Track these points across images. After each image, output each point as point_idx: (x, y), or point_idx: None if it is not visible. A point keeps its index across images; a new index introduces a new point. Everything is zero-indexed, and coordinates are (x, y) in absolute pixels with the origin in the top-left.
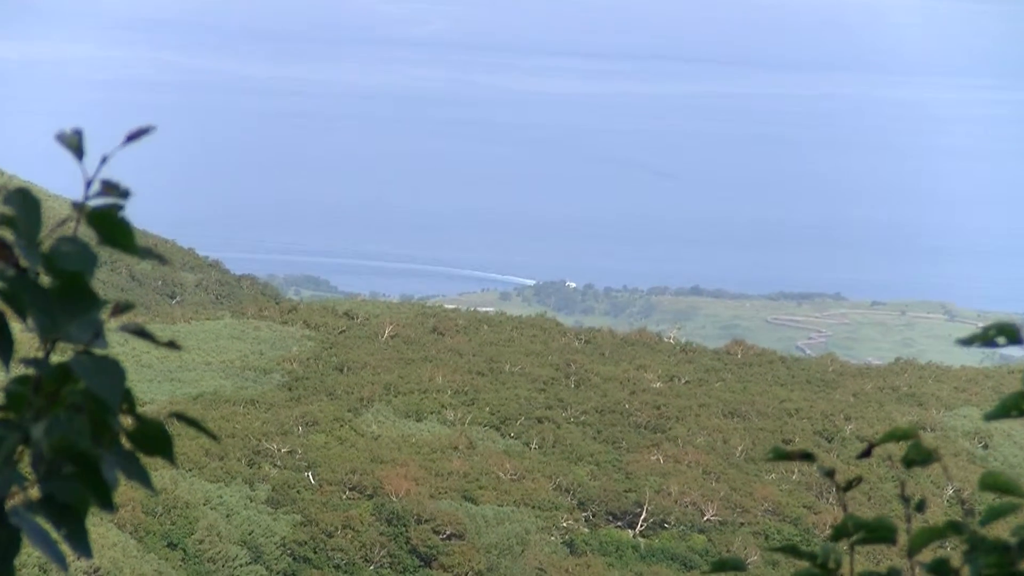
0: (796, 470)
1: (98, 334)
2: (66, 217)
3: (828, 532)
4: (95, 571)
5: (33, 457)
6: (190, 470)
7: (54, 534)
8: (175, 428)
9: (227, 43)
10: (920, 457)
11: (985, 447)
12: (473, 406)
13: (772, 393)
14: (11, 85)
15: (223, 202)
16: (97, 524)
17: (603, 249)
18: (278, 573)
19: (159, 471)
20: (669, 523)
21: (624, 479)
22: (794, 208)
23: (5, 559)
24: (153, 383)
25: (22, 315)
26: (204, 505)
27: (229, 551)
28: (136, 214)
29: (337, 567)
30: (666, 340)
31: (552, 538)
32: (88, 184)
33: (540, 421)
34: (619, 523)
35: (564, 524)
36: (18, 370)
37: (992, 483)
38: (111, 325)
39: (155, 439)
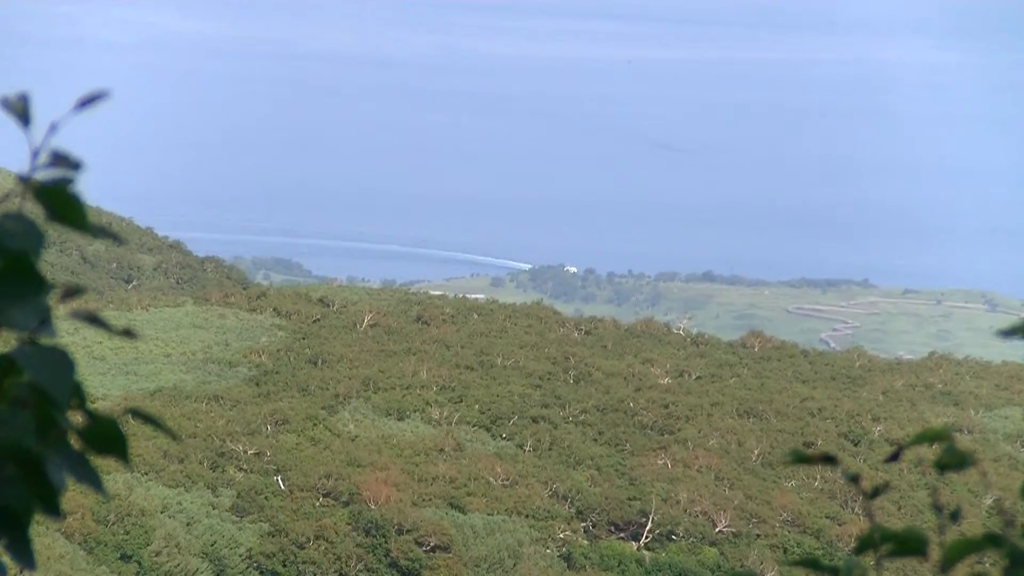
0: (818, 476)
1: (45, 321)
2: (10, 191)
3: (853, 545)
4: None
5: None
6: (146, 473)
7: None
8: (130, 427)
9: (190, 1)
10: (955, 462)
11: None
12: (461, 404)
13: (792, 391)
14: None
15: (186, 177)
16: (42, 533)
17: (606, 230)
18: None
19: (112, 474)
20: (677, 535)
21: (628, 485)
22: (819, 186)
23: None
24: (106, 376)
25: None
26: (162, 513)
27: (189, 564)
28: (89, 189)
29: None
30: (675, 331)
31: (548, 551)
32: (35, 155)
33: (535, 421)
34: (622, 534)
35: (561, 535)
36: None
37: None
38: (60, 312)
39: (108, 438)
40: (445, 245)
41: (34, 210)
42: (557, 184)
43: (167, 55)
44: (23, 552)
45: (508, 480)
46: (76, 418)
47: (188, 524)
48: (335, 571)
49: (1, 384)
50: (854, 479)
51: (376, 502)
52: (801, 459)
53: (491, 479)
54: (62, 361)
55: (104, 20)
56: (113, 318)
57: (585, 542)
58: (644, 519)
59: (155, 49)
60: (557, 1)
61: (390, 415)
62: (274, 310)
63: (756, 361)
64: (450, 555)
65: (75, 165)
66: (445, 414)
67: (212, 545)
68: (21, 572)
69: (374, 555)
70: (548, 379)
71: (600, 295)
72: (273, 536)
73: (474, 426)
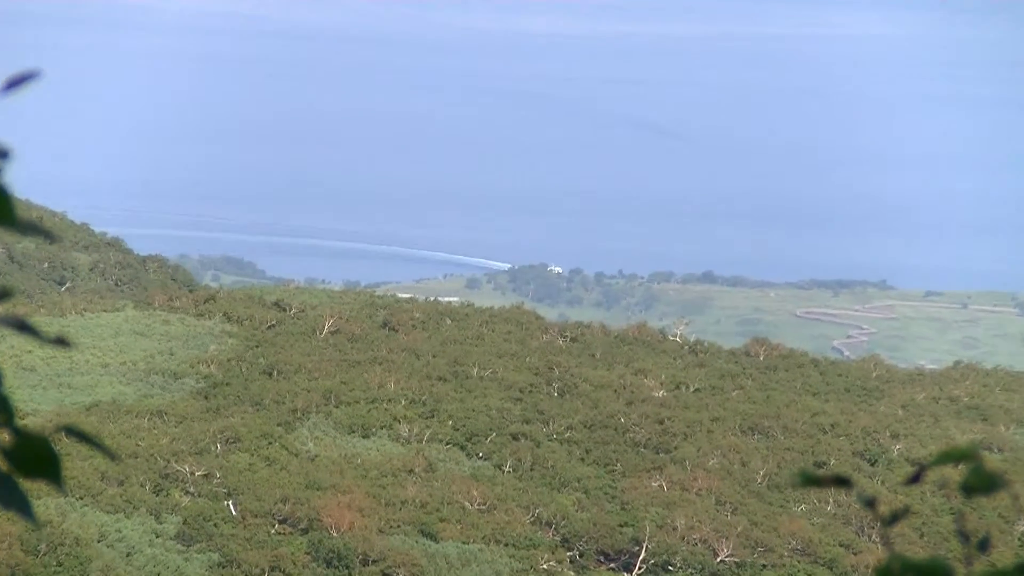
0: (831, 500)
1: None
2: None
3: None
4: None
5: None
6: (82, 498)
7: None
8: (63, 445)
9: None
10: (983, 484)
11: None
12: (433, 419)
13: (802, 404)
14: None
15: (126, 168)
16: None
17: (594, 227)
18: None
19: (43, 499)
20: (674, 565)
21: (619, 510)
22: (831, 178)
23: None
24: (37, 389)
25: None
26: (99, 542)
27: None
28: (17, 180)
29: None
30: (671, 338)
31: None
32: None
33: (515, 438)
34: (612, 564)
35: (544, 565)
36: None
37: None
38: None
39: (38, 458)
40: (414, 242)
41: None
42: (540, 176)
43: (111, 32)
44: None
45: (485, 504)
46: (3, 436)
47: (128, 554)
48: None
49: None
50: (870, 503)
51: (338, 529)
52: (812, 481)
53: (466, 503)
54: None
55: None
56: (44, 324)
57: (572, 573)
58: (637, 548)
59: (100, 27)
60: None
61: (354, 432)
62: (224, 315)
63: (761, 371)
64: None
65: (2, 153)
66: (415, 431)
67: None
68: None
69: None
70: (530, 392)
71: (587, 298)
72: (224, 567)
73: (447, 444)
